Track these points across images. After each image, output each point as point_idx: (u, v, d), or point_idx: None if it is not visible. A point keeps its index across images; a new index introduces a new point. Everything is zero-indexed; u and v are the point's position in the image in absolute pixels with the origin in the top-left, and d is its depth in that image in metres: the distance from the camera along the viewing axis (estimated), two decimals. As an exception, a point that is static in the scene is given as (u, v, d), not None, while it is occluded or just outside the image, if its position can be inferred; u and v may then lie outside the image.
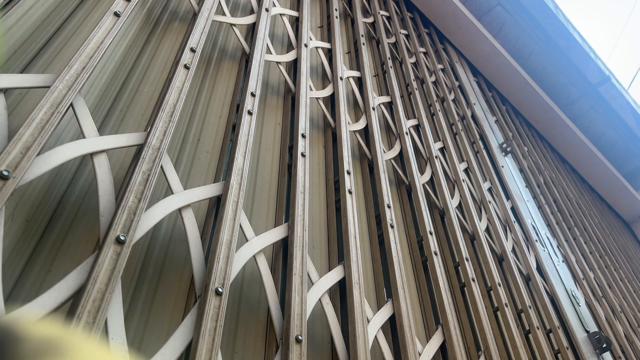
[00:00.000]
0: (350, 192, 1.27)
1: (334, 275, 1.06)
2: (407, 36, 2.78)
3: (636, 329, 2.57)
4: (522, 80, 3.53)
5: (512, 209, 2.24)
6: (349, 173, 1.33)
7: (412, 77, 2.31)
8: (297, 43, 1.66)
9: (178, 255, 0.92)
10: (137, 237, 0.75)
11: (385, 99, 1.96)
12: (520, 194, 2.41)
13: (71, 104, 0.80)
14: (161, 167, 0.88)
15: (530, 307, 1.62)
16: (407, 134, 1.85)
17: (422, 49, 2.80)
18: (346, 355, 0.94)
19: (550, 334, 1.73)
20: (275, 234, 1.00)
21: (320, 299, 0.98)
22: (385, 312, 1.10)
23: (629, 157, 4.37)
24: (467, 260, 1.52)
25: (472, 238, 1.77)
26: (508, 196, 2.32)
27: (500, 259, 1.83)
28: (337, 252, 1.21)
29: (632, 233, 4.53)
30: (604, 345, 1.77)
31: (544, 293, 1.78)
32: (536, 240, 2.11)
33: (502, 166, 2.49)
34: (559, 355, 1.66)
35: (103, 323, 0.63)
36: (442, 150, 2.11)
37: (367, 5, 2.60)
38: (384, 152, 1.63)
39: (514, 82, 3.54)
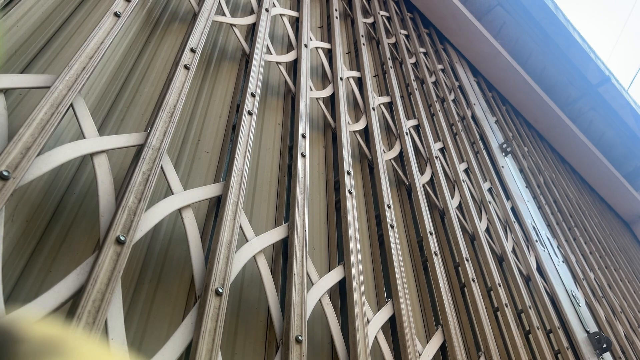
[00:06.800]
0: (350, 193, 1.27)
1: (334, 276, 1.06)
2: (407, 36, 2.78)
3: (636, 330, 2.57)
4: (522, 80, 3.53)
5: (512, 209, 2.24)
6: (349, 173, 1.33)
7: (412, 77, 2.31)
8: (297, 43, 1.66)
9: (178, 255, 0.92)
10: (137, 237, 0.75)
11: (385, 99, 1.96)
12: (520, 194, 2.41)
13: (71, 104, 0.80)
14: (161, 167, 0.88)
15: (530, 308, 1.62)
16: (407, 134, 1.85)
17: (422, 49, 2.80)
18: (346, 356, 0.94)
19: (551, 334, 1.73)
20: (275, 234, 1.00)
21: (320, 299, 0.98)
22: (385, 313, 1.10)
23: (629, 157, 4.37)
24: (467, 260, 1.52)
25: (472, 238, 1.77)
26: (508, 196, 2.32)
27: (501, 259, 1.83)
28: (337, 253, 1.21)
29: (632, 233, 4.53)
30: (604, 346, 1.77)
31: (544, 293, 1.78)
32: (536, 241, 2.11)
33: (502, 166, 2.49)
34: (559, 355, 1.66)
35: (103, 323, 0.63)
36: (442, 150, 2.11)
37: (367, 6, 2.60)
38: (384, 152, 1.63)
39: (514, 83, 3.54)
